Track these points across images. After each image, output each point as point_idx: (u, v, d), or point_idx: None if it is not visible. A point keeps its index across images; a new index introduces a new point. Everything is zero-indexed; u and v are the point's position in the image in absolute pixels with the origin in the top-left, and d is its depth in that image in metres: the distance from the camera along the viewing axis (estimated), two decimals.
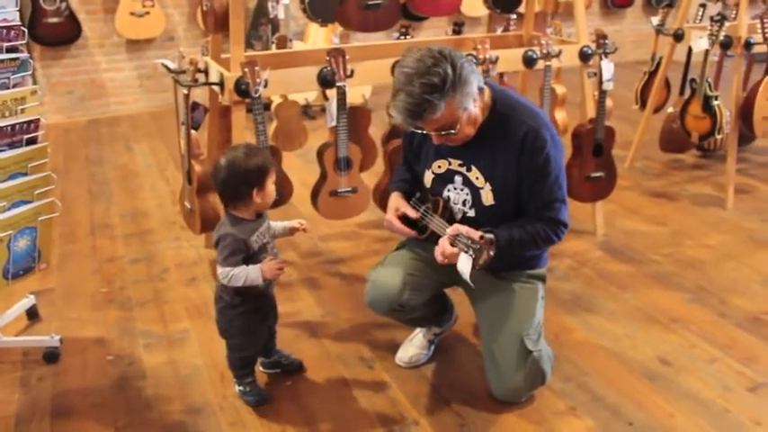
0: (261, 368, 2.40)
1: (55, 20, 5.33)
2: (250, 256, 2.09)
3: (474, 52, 2.91)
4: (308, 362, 2.46)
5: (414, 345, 2.50)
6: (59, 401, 2.29)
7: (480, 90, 1.99)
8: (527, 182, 2.08)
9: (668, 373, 2.41)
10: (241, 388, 2.28)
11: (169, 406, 2.26)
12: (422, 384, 2.36)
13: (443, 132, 1.98)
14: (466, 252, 1.97)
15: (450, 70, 1.86)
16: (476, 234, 1.98)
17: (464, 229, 2.01)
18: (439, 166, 2.20)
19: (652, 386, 2.34)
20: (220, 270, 2.07)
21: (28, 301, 2.73)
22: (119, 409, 2.25)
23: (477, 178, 2.13)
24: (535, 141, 2.03)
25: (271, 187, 2.10)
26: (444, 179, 2.19)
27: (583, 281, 3.04)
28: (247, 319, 2.17)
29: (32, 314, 2.75)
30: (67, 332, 2.64)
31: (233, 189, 2.07)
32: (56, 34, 5.39)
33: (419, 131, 2.04)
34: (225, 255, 2.06)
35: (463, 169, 2.15)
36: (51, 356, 2.48)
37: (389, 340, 2.59)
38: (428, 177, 2.23)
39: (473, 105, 1.97)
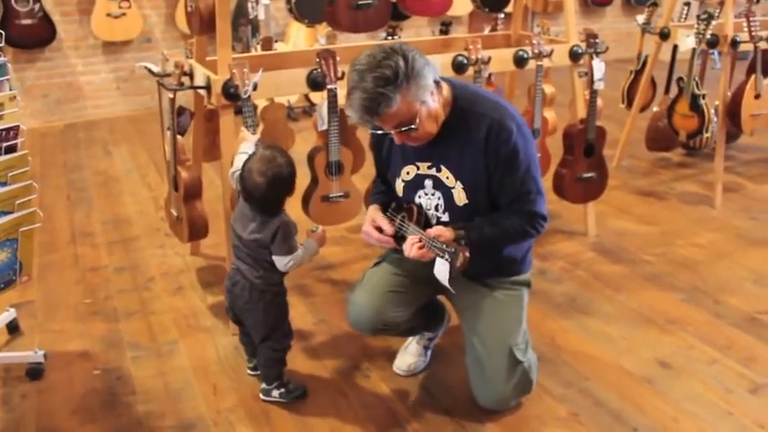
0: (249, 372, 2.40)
1: (28, 21, 5.18)
2: None
3: (465, 53, 2.86)
4: (302, 371, 2.40)
5: (409, 353, 2.45)
6: (45, 420, 2.19)
7: (437, 84, 1.93)
8: (497, 176, 2.02)
9: (668, 375, 2.38)
10: (282, 390, 2.25)
11: (161, 422, 2.18)
12: (419, 392, 2.31)
13: (404, 129, 1.92)
14: (441, 257, 1.92)
15: (401, 62, 1.82)
16: (449, 234, 1.96)
17: (435, 231, 1.97)
18: (408, 173, 2.14)
19: (653, 390, 2.31)
20: (286, 259, 2.12)
21: (8, 314, 2.62)
22: (108, 426, 2.17)
23: (447, 178, 2.07)
24: (500, 133, 1.97)
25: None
26: (414, 185, 2.14)
27: (577, 283, 3.01)
28: (286, 297, 2.25)
29: (13, 328, 2.65)
30: (51, 346, 2.54)
31: (274, 194, 2.10)
32: (29, 36, 5.24)
33: (380, 133, 1.98)
34: (291, 243, 2.12)
35: (433, 171, 2.09)
36: (35, 373, 2.38)
37: (385, 348, 2.54)
38: (399, 185, 2.18)
39: (431, 99, 1.91)
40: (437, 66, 2.00)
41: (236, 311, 2.24)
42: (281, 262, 2.12)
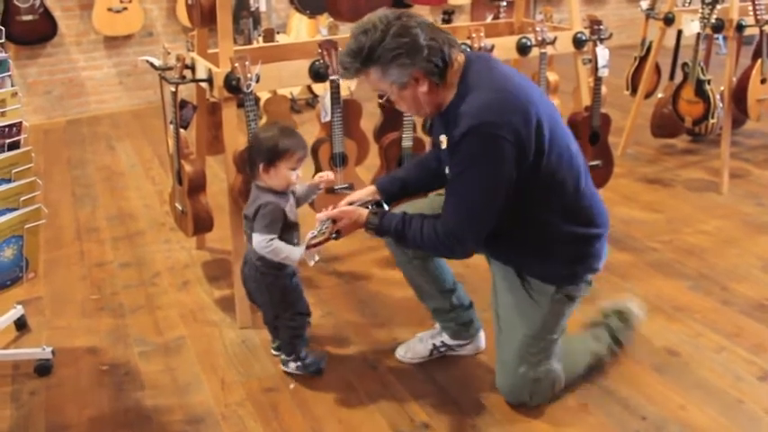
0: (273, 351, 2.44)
1: (29, 17, 5.16)
2: (286, 226, 2.14)
3: (468, 41, 2.84)
4: None
5: (415, 348, 2.43)
6: (54, 416, 2.20)
7: (431, 73, 1.82)
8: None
9: (677, 363, 2.37)
10: (299, 363, 2.31)
11: (169, 416, 2.18)
12: (428, 384, 2.30)
13: (380, 98, 1.94)
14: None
15: (375, 40, 1.78)
16: (356, 215, 2.00)
17: (342, 212, 2.01)
18: (441, 142, 2.00)
19: (662, 378, 2.30)
20: (260, 238, 2.09)
21: (16, 311, 2.63)
22: (117, 421, 2.17)
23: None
24: (464, 136, 1.80)
25: (283, 171, 2.13)
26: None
27: None
28: (293, 279, 2.25)
29: (21, 325, 2.65)
30: (58, 342, 2.54)
31: (249, 155, 2.19)
32: (31, 32, 5.22)
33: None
34: (266, 222, 2.10)
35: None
36: (43, 369, 2.39)
37: (392, 340, 2.53)
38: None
39: (411, 87, 1.85)
40: (447, 47, 1.83)
41: (249, 291, 2.32)
42: (256, 239, 2.12)
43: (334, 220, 2.02)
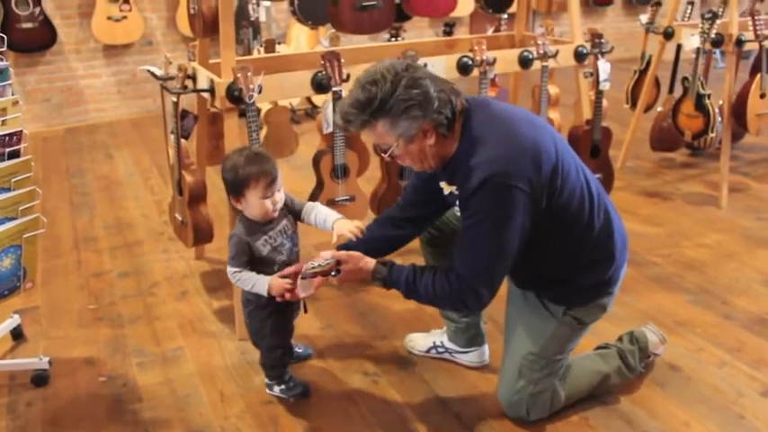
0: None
1: (29, 25, 5.16)
2: (258, 260, 2.06)
3: (470, 54, 2.85)
4: (310, 377, 2.37)
5: (417, 339, 2.49)
6: (51, 428, 2.17)
7: (440, 125, 1.79)
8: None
9: (678, 378, 2.36)
10: (282, 387, 2.27)
11: (168, 429, 2.16)
12: (429, 398, 2.29)
13: (383, 152, 1.85)
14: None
15: (386, 92, 1.72)
16: (364, 264, 1.96)
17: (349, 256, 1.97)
18: (442, 187, 1.98)
19: (664, 393, 2.29)
20: (229, 269, 2.07)
21: (12, 321, 2.60)
22: None
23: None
24: (477, 190, 1.77)
25: (254, 201, 2.03)
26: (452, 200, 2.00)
27: None
28: (277, 318, 2.16)
29: (17, 334, 2.63)
30: (55, 352, 2.52)
31: (226, 188, 2.09)
32: (30, 40, 5.22)
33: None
34: (231, 254, 2.07)
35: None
36: (40, 380, 2.36)
37: (392, 352, 2.52)
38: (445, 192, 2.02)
39: (418, 140, 1.80)
40: (454, 97, 1.81)
41: None
42: (228, 269, 2.08)
43: (338, 261, 1.96)
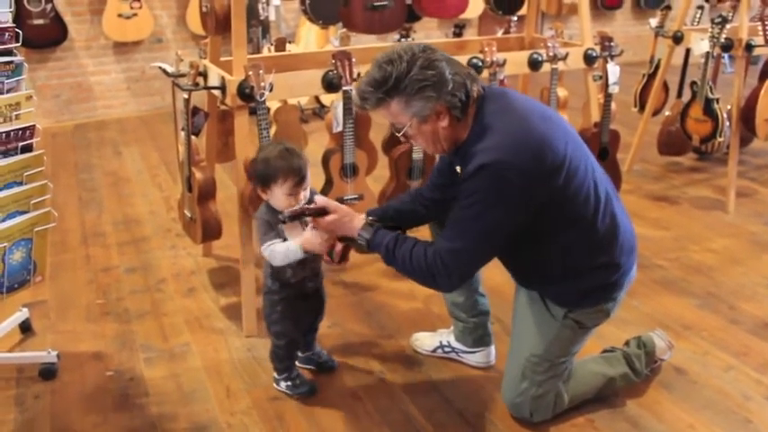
0: (296, 361, 2.39)
1: (40, 21, 5.19)
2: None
3: (480, 55, 2.85)
4: (317, 376, 2.39)
5: (424, 339, 2.50)
6: (58, 421, 2.19)
7: (454, 108, 1.81)
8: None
9: (685, 382, 2.36)
10: (288, 383, 2.28)
11: (174, 424, 2.17)
12: (435, 397, 2.29)
13: (397, 131, 1.89)
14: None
15: (401, 71, 1.76)
16: (356, 222, 1.99)
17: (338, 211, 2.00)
18: (459, 170, 2.00)
19: (670, 396, 2.29)
20: (261, 248, 2.11)
21: (21, 314, 2.62)
22: (121, 428, 2.16)
23: None
24: (475, 173, 1.78)
25: (278, 195, 2.08)
26: None
27: None
28: (288, 306, 2.19)
29: (26, 328, 2.64)
30: (63, 346, 2.54)
31: (254, 176, 2.15)
32: (41, 36, 5.24)
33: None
34: (261, 233, 2.11)
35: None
36: (48, 373, 2.38)
37: (398, 351, 2.53)
38: None
39: (432, 121, 1.83)
40: (470, 82, 1.83)
41: None
42: (261, 249, 2.13)
43: (324, 209, 1.99)
